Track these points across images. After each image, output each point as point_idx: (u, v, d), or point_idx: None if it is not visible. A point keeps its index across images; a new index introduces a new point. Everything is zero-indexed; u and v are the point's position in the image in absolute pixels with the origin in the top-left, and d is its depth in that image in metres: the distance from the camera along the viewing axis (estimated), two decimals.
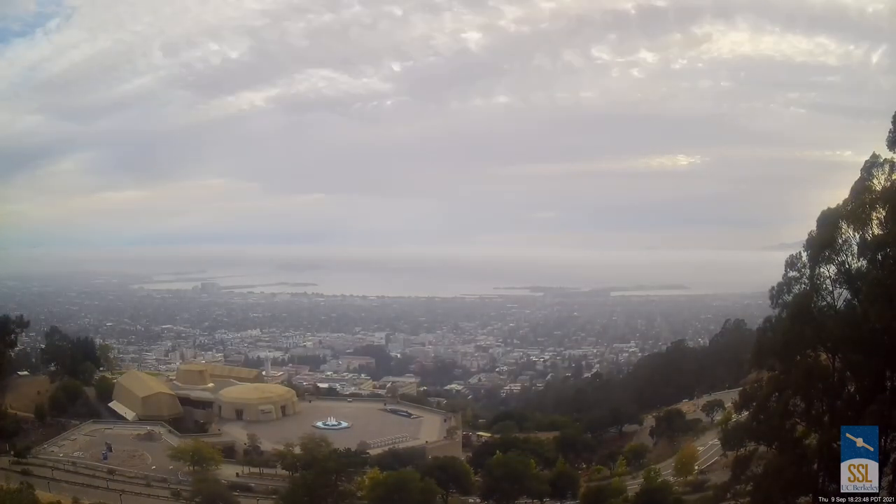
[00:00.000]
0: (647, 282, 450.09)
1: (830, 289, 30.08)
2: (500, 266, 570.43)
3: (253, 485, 62.10)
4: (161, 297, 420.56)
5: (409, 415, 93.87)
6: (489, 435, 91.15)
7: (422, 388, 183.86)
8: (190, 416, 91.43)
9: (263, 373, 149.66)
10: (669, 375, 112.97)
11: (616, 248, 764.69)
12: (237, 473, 66.16)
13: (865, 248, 28.76)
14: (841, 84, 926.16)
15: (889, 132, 28.68)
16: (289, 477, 61.45)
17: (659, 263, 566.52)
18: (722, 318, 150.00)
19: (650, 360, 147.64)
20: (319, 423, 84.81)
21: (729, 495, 39.23)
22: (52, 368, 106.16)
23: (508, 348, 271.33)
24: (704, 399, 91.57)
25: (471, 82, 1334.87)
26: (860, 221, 28.72)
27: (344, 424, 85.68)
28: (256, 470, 67.45)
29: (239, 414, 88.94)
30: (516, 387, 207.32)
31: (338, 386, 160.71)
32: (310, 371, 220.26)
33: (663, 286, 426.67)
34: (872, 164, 29.19)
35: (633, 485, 59.32)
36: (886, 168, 28.87)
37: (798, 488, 29.54)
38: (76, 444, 73.90)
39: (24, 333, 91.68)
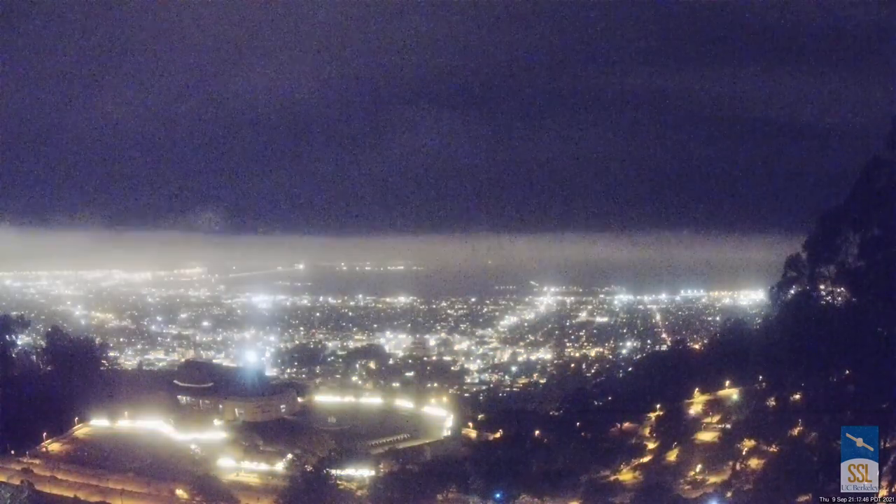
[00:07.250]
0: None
1: (830, 288, 30.20)
2: None
3: (253, 484, 62.16)
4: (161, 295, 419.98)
5: (409, 414, 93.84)
6: (489, 434, 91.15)
7: (421, 388, 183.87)
8: (190, 414, 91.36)
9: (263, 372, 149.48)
10: (669, 375, 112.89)
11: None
12: (238, 472, 66.20)
13: (865, 249, 28.84)
14: None
15: (889, 133, 28.74)
16: (289, 476, 61.49)
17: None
18: (722, 318, 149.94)
19: (650, 360, 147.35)
20: (320, 423, 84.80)
21: (729, 493, 39.36)
22: (53, 368, 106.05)
23: (509, 347, 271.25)
24: (705, 398, 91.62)
25: None
26: (860, 222, 28.80)
27: (344, 424, 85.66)
28: (257, 468, 67.47)
29: (239, 413, 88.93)
30: (516, 386, 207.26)
31: (337, 385, 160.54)
32: (310, 370, 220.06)
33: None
34: (873, 165, 29.22)
35: (633, 483, 59.43)
36: (887, 169, 28.93)
37: (798, 487, 29.65)
38: (77, 442, 73.95)
39: (24, 333, 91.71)
